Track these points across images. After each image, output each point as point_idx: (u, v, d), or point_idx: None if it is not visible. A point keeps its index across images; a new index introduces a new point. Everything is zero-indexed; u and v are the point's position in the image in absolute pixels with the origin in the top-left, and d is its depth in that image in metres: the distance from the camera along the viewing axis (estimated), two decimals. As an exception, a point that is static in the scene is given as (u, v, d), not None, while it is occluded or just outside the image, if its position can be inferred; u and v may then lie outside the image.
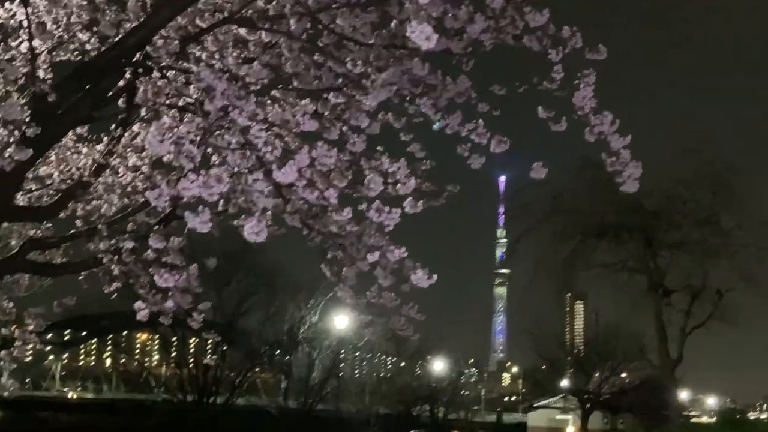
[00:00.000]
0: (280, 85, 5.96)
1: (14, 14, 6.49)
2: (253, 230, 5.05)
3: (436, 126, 5.71)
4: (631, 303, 41.32)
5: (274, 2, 5.83)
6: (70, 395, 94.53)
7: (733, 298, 38.26)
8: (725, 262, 37.94)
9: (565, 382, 69.34)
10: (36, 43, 6.32)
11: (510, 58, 5.13)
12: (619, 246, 39.78)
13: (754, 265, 37.05)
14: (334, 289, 6.21)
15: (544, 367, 72.75)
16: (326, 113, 5.65)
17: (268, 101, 5.56)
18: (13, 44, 6.64)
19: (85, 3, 6.44)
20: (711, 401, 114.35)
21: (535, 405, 78.63)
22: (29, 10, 6.33)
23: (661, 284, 38.68)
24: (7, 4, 6.48)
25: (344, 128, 5.64)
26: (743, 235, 37.52)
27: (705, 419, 71.65)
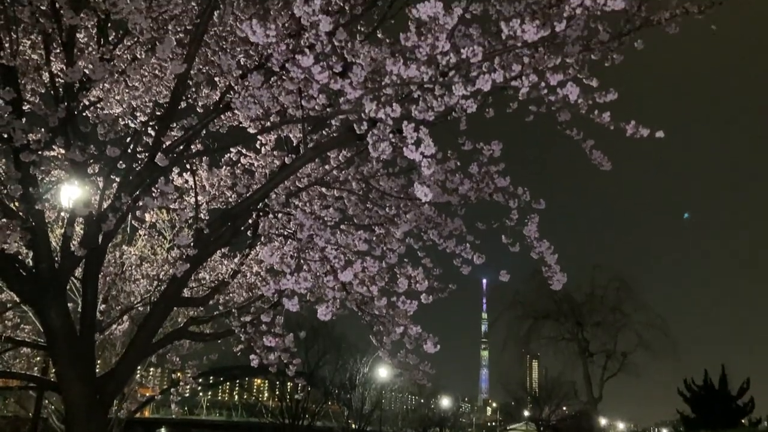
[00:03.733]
0: (345, 222, 5.99)
1: (187, 181, 6.70)
2: (323, 312, 4.98)
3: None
4: (567, 361, 40.14)
5: (343, 172, 5.94)
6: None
7: (633, 358, 36.97)
8: (628, 333, 36.97)
9: (526, 413, 65.95)
10: (199, 198, 6.48)
11: (486, 206, 5.11)
12: (559, 325, 38.70)
13: (645, 335, 36.17)
14: (378, 350, 6.05)
15: (513, 403, 69.62)
16: (372, 239, 5.63)
17: (338, 231, 5.57)
18: (186, 198, 6.82)
19: (228, 174, 6.63)
20: (621, 426, 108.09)
21: (508, 428, 74.93)
22: (196, 178, 6.53)
23: (587, 349, 37.49)
24: (184, 175, 6.70)
25: (384, 248, 5.62)
26: (638, 316, 36.77)
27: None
